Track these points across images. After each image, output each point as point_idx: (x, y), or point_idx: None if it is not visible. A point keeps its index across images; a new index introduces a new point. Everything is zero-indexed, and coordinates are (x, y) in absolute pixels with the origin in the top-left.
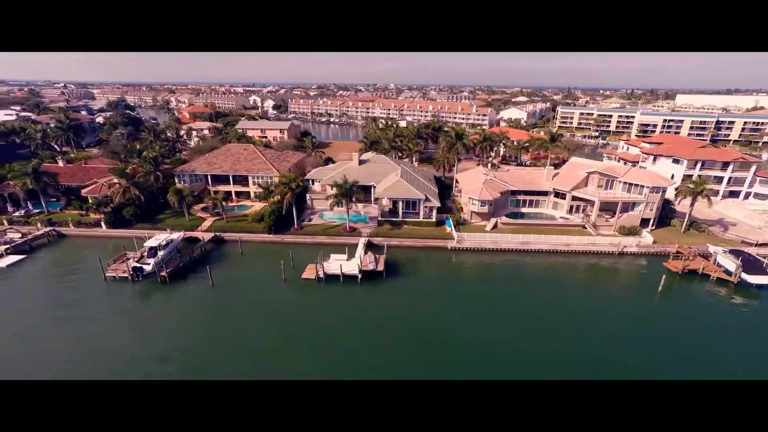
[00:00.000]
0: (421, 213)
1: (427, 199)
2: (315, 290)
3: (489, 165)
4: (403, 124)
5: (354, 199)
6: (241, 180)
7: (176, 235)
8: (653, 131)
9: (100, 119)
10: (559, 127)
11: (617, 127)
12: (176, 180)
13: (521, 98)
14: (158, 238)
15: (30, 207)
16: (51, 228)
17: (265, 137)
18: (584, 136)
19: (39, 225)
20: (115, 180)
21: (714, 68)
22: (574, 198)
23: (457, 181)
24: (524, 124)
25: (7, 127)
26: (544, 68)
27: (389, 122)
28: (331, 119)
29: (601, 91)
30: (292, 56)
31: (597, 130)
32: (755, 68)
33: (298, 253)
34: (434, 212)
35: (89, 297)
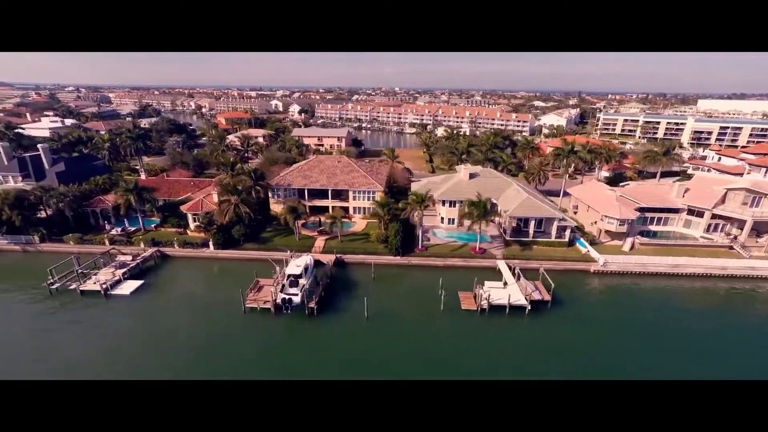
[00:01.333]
0: (554, 232)
1: (562, 218)
2: (484, 323)
3: (598, 179)
4: (437, 132)
5: (491, 219)
6: (339, 195)
7: (309, 259)
8: (707, 138)
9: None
10: (601, 134)
11: (665, 134)
12: (270, 194)
13: (538, 102)
14: (298, 263)
15: (126, 224)
16: (156, 249)
17: (322, 145)
18: (635, 144)
19: (143, 245)
20: (221, 196)
21: (714, 72)
22: (713, 216)
23: (565, 195)
24: (566, 130)
25: (73, 137)
26: (543, 73)
27: (455, 131)
28: (362, 125)
29: (609, 96)
30: (293, 59)
31: (643, 137)
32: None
33: (431, 277)
34: (568, 231)
35: (235, 333)
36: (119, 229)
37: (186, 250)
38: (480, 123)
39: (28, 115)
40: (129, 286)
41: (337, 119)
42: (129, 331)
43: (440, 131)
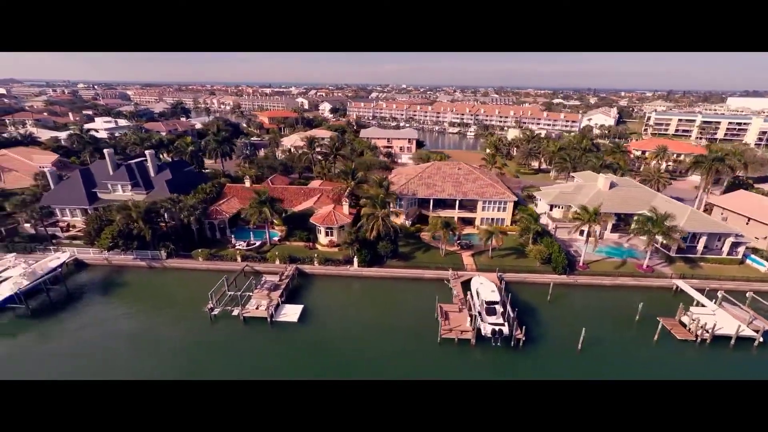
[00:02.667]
0: (726, 248)
1: (738, 233)
2: (717, 357)
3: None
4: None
5: (672, 235)
6: (463, 204)
7: (495, 283)
8: None
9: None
10: (652, 134)
11: (726, 135)
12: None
13: (558, 100)
14: (491, 288)
15: (251, 237)
16: (295, 266)
17: (391, 147)
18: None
19: (278, 261)
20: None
21: (716, 70)
22: None
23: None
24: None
25: (155, 140)
26: (545, 71)
27: (530, 133)
28: (400, 124)
29: (622, 93)
30: (291, 57)
31: (700, 138)
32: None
33: (606, 299)
34: (742, 248)
35: (435, 369)
36: (243, 242)
37: (326, 268)
38: (524, 123)
39: (70, 114)
40: (292, 312)
41: (370, 118)
42: (326, 367)
43: (512, 133)
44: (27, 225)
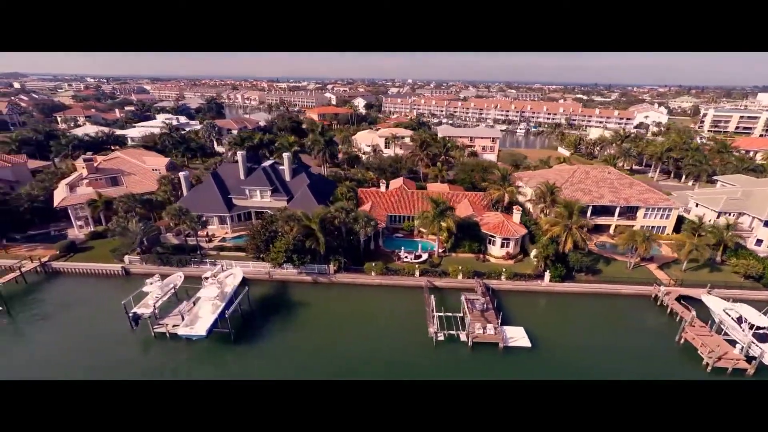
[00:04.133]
0: None
1: None
2: None
3: None
4: (588, 133)
5: None
6: (624, 212)
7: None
8: None
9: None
10: (710, 131)
11: None
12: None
13: (579, 96)
14: (752, 311)
15: (419, 249)
16: (481, 281)
17: (473, 146)
18: None
19: (460, 276)
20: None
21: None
22: None
23: None
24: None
25: (255, 141)
26: (549, 65)
27: (623, 132)
28: (442, 120)
29: (635, 88)
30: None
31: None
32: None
33: None
34: None
35: None
36: (410, 255)
37: (515, 283)
38: (574, 120)
39: (117, 111)
40: (519, 335)
41: (407, 114)
42: None
43: (594, 132)
44: (169, 234)
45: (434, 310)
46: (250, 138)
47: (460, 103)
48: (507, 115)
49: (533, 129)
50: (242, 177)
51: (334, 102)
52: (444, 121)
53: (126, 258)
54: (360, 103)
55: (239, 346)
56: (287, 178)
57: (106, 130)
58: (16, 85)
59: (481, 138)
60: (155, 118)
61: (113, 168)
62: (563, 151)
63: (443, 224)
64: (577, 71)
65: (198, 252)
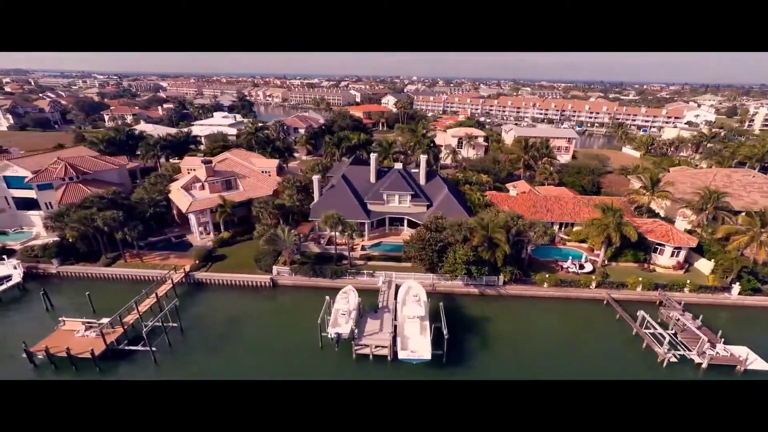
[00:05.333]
0: None
1: None
2: None
3: None
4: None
5: None
6: None
7: None
8: None
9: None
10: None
11: None
12: None
13: (597, 94)
14: None
15: (570, 259)
16: (664, 294)
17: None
18: None
19: (639, 288)
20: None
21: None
22: None
23: None
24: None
25: (353, 142)
26: (552, 62)
27: (708, 132)
28: (477, 119)
29: (647, 87)
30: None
31: None
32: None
33: None
34: None
35: None
36: (571, 265)
37: (700, 296)
38: (619, 119)
39: (159, 109)
40: (750, 356)
41: (440, 113)
42: None
43: (670, 132)
44: (311, 243)
45: (643, 326)
46: (347, 138)
47: (495, 101)
48: (546, 114)
49: (578, 128)
50: (372, 180)
51: (359, 99)
52: (481, 120)
53: (274, 268)
54: (390, 100)
55: (455, 368)
56: (422, 182)
57: (184, 129)
58: (33, 80)
59: (557, 138)
60: (209, 116)
61: (228, 171)
62: (630, 152)
63: (617, 234)
64: (571, 69)
65: (345, 261)
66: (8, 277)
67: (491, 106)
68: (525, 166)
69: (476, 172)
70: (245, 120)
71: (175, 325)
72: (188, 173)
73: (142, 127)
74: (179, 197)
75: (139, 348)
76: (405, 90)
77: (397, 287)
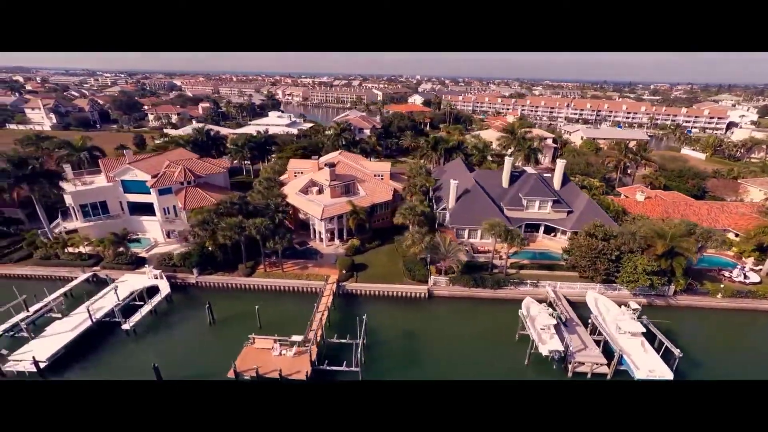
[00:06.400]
0: None
1: None
2: None
3: None
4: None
5: None
6: None
7: None
8: None
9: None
10: None
11: None
12: None
13: (611, 93)
14: None
15: (744, 268)
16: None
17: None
18: None
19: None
20: None
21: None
22: None
23: None
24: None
25: (449, 144)
26: (557, 61)
27: None
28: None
29: (655, 87)
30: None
31: None
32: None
33: None
34: None
35: None
36: (738, 274)
37: None
38: (658, 119)
39: (200, 108)
40: None
41: (470, 112)
42: None
43: (740, 133)
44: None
45: None
46: (443, 140)
47: (528, 101)
48: (581, 114)
49: (618, 128)
50: (504, 185)
51: (380, 98)
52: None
53: (431, 278)
54: (417, 99)
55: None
56: (557, 186)
57: (261, 130)
58: (43, 78)
59: (627, 140)
60: (245, 117)
61: (348, 174)
62: (692, 153)
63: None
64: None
65: (496, 270)
66: (155, 289)
67: (523, 106)
68: (622, 169)
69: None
70: (297, 120)
71: (358, 341)
72: (294, 176)
73: (215, 128)
74: (302, 202)
75: (343, 368)
76: (419, 89)
77: (567, 299)
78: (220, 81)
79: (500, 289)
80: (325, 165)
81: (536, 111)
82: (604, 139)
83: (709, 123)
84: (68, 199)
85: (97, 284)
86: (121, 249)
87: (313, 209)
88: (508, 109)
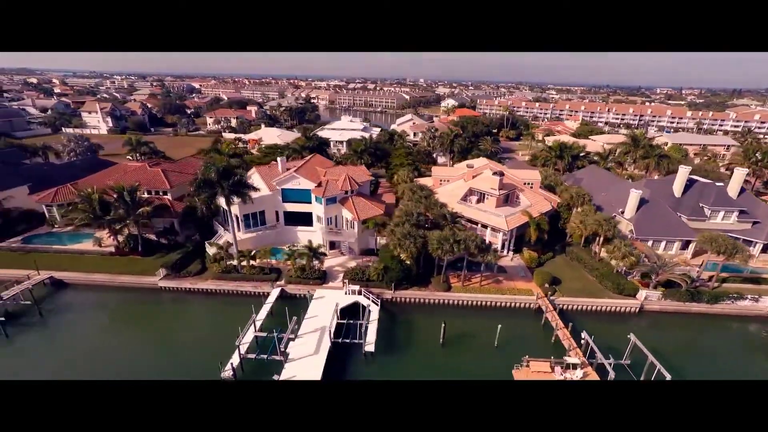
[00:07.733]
0: None
1: None
2: None
3: None
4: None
5: None
6: None
7: None
8: None
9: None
10: None
11: None
12: None
13: (618, 98)
14: None
15: None
16: None
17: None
18: None
19: None
20: None
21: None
22: None
23: None
24: None
25: (576, 150)
26: (557, 65)
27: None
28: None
29: (657, 90)
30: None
31: None
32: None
33: None
34: None
35: None
36: None
37: None
38: (704, 125)
39: (253, 111)
40: None
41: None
42: None
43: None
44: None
45: None
46: (568, 147)
47: (567, 105)
48: (623, 119)
49: (666, 132)
50: (677, 195)
51: (408, 99)
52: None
53: (642, 292)
54: (449, 103)
55: None
56: (733, 196)
57: (335, 135)
58: (57, 80)
59: (714, 146)
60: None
61: (509, 183)
62: None
63: None
64: (572, 70)
65: (698, 284)
66: (366, 309)
67: (561, 110)
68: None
69: None
70: (366, 124)
71: (620, 362)
72: (440, 184)
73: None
74: (476, 213)
75: None
76: (435, 92)
77: None
78: (237, 83)
79: (716, 304)
80: (494, 174)
81: (577, 114)
82: (689, 144)
83: (761, 127)
84: (234, 210)
85: (284, 300)
86: (315, 262)
87: (495, 220)
88: (545, 113)
